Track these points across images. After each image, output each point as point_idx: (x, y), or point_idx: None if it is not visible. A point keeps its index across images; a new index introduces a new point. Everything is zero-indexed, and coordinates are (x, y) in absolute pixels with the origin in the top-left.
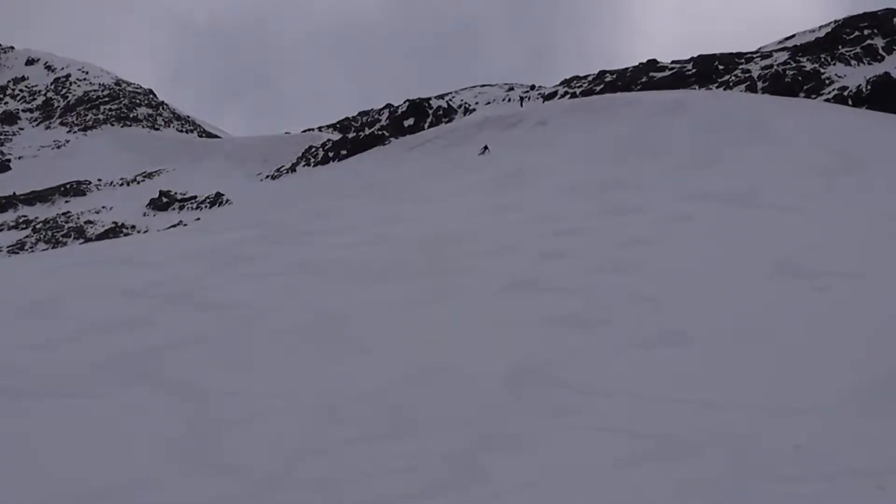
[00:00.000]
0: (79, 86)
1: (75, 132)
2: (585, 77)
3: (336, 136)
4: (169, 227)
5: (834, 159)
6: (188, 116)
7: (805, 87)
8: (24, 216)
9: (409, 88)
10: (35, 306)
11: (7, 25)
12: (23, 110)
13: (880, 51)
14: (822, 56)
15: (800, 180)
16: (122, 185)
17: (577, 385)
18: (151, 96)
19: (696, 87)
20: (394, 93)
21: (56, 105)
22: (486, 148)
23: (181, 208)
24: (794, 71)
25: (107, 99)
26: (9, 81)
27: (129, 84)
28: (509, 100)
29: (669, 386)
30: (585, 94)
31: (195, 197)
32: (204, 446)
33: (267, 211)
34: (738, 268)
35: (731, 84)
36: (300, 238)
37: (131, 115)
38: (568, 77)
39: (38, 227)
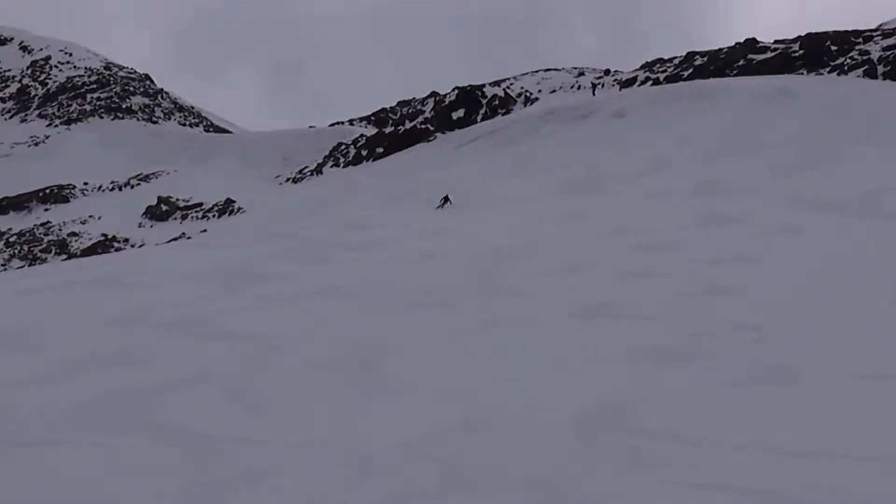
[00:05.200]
0: (61, 70)
1: (57, 126)
2: (671, 60)
3: (371, 131)
4: (169, 241)
5: None
6: (192, 107)
7: None
8: None
9: (458, 74)
10: (6, 337)
11: None
12: None
13: None
14: None
15: None
16: (112, 189)
17: (662, 432)
18: (148, 83)
19: (804, 72)
20: (440, 79)
21: (33, 93)
22: (446, 200)
23: (184, 218)
24: None
25: (95, 86)
26: None
27: (121, 68)
28: (579, 87)
29: (773, 433)
30: (671, 80)
31: (201, 204)
32: None
33: (287, 221)
34: (857, 291)
35: (845, 68)
36: (328, 254)
37: (124, 106)
38: (650, 60)
39: (11, 240)
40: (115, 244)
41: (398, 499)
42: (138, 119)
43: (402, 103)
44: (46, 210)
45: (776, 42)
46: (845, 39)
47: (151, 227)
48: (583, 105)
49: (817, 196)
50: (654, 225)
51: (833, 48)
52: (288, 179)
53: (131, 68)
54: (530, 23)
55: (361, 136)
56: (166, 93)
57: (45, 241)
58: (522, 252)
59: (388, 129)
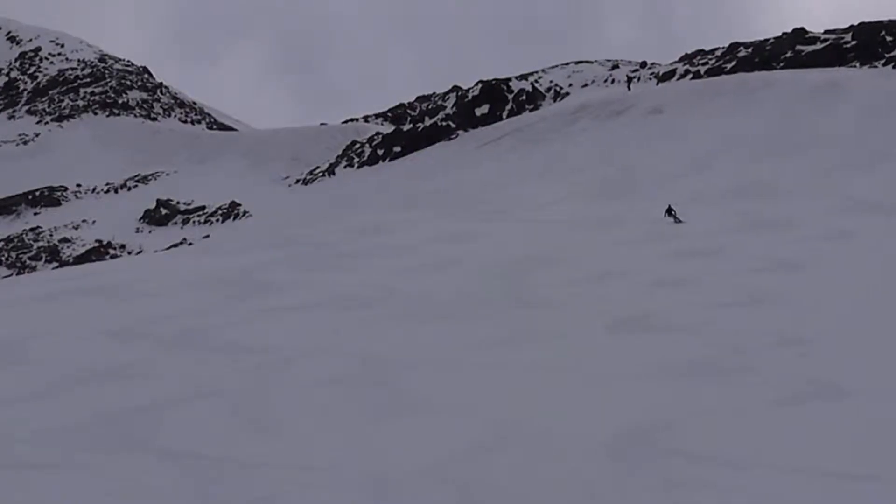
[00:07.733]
0: (52, 62)
1: (48, 123)
2: (712, 51)
3: (387, 129)
4: (169, 247)
5: None
6: (194, 102)
7: None
8: None
9: (482, 66)
10: None
11: None
12: None
13: None
14: None
15: None
16: (108, 191)
17: (701, 454)
18: (146, 76)
19: (857, 65)
20: (463, 73)
21: (22, 88)
22: (670, 212)
23: (185, 222)
24: None
25: (88, 80)
26: None
27: (117, 60)
28: (613, 80)
29: (821, 454)
30: (712, 73)
31: (203, 208)
32: None
33: (297, 226)
34: None
35: None
36: (340, 262)
37: (120, 101)
38: (690, 52)
39: None
40: (111, 251)
41: None
42: (136, 115)
43: (421, 98)
44: (36, 214)
45: (826, 32)
46: None
47: (150, 232)
48: (617, 100)
49: (868, 199)
50: (694, 230)
51: (888, 38)
52: (298, 181)
53: (128, 60)
54: (560, 10)
55: (377, 133)
56: (166, 87)
57: (35, 247)
58: (552, 259)
59: (407, 127)
